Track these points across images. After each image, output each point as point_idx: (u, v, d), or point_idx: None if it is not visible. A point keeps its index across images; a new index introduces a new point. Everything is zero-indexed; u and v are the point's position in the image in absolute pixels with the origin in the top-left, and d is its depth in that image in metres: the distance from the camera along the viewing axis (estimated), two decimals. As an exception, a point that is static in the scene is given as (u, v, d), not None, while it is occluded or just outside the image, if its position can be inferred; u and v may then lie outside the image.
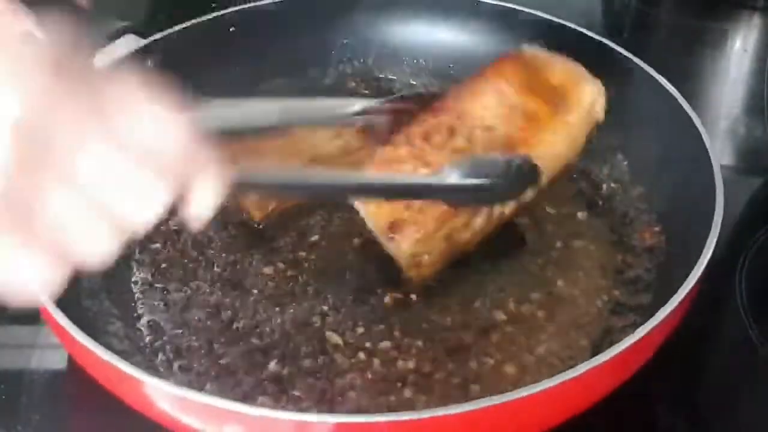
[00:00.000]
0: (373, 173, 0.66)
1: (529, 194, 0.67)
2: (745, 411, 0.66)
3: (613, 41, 0.80)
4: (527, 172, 0.65)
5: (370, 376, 0.62)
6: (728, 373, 0.69)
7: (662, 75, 0.75)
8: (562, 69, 0.70)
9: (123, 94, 0.40)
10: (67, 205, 0.39)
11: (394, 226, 0.63)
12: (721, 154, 0.89)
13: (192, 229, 0.70)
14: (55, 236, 0.39)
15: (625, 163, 0.77)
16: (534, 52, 0.72)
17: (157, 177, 0.40)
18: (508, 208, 0.67)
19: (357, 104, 0.74)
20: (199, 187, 0.43)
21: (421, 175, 0.65)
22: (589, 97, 0.70)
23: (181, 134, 0.41)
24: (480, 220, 0.66)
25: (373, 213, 0.65)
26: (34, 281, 0.40)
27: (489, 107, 0.68)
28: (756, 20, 1.08)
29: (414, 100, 0.76)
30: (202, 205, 0.43)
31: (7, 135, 0.37)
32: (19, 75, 0.38)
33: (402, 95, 0.78)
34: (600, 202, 0.76)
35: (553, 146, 0.68)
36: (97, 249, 0.40)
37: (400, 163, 0.65)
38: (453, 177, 0.62)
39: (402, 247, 0.64)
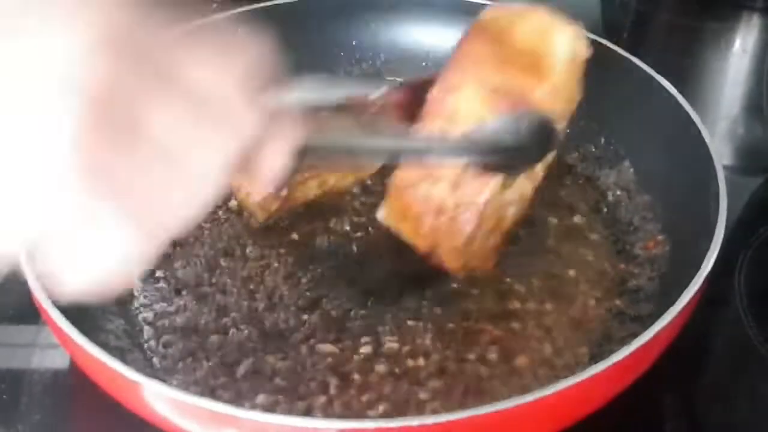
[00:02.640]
0: (417, 137, 0.63)
1: (549, 156, 0.65)
2: (744, 411, 0.66)
3: (614, 42, 0.79)
4: (546, 130, 0.62)
5: (376, 375, 0.62)
6: (728, 373, 0.69)
7: (661, 75, 0.75)
8: (528, 27, 0.64)
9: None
10: (150, 167, 0.37)
11: (430, 255, 0.64)
12: (720, 153, 0.89)
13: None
14: (144, 198, 0.37)
15: (632, 170, 0.77)
16: (493, 14, 0.66)
17: (230, 133, 0.39)
18: (534, 179, 0.65)
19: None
20: (272, 149, 0.42)
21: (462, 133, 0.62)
22: (566, 48, 0.64)
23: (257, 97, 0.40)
24: (511, 193, 0.64)
25: (411, 239, 0.64)
26: (130, 257, 0.37)
27: (472, 99, 0.62)
28: (755, 20, 1.08)
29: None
30: (274, 166, 0.43)
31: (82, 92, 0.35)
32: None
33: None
34: (605, 210, 0.76)
35: (551, 110, 0.63)
36: (183, 211, 0.38)
37: (413, 186, 0.63)
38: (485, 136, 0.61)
39: (451, 268, 0.64)
